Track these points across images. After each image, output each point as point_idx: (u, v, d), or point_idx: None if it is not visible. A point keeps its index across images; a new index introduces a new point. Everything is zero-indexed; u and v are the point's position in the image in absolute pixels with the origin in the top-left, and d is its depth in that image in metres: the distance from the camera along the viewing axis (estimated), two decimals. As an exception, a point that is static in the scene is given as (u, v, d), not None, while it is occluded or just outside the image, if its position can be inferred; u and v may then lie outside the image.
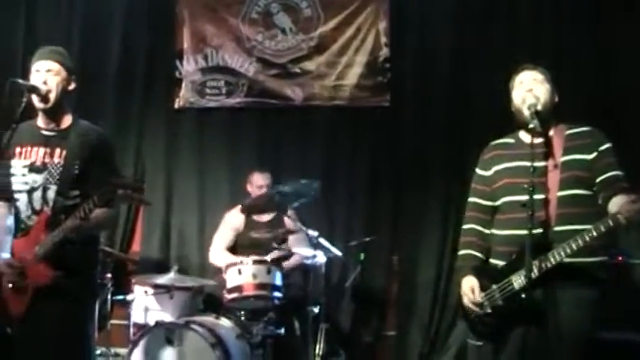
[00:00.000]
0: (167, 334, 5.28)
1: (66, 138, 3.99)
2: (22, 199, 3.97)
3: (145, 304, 5.85)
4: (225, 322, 5.69)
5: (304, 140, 6.98)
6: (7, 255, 3.95)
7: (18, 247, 3.96)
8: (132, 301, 5.88)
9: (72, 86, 4.07)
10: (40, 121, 4.05)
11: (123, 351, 5.38)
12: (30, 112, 4.02)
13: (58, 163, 3.93)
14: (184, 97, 7.11)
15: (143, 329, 5.49)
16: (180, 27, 7.13)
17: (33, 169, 3.96)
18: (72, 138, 3.98)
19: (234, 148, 7.07)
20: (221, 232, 6.40)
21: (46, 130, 4.02)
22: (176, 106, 7.13)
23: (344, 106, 6.91)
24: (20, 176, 3.97)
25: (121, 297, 6.01)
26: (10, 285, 3.88)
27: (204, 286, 6.09)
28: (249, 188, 6.42)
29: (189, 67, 7.11)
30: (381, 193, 6.83)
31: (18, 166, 3.98)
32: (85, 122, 4.12)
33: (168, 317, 5.64)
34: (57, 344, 3.84)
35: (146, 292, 5.89)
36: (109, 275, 6.04)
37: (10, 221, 4.03)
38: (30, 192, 3.95)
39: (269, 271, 5.69)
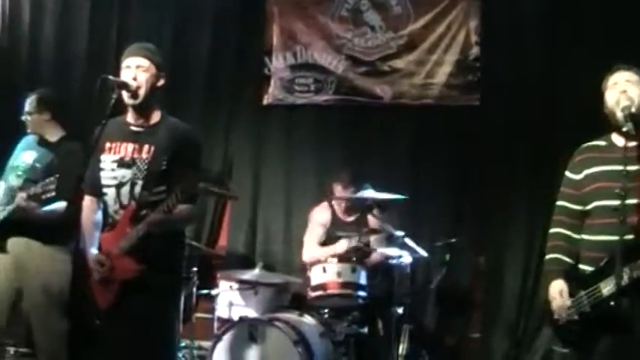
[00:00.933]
0: (250, 329, 5.32)
1: (154, 134, 4.04)
2: (110, 194, 4.04)
3: (230, 299, 5.92)
4: (308, 319, 5.70)
5: (391, 139, 6.90)
6: (95, 250, 4.03)
7: (105, 241, 4.04)
8: (217, 295, 5.96)
9: (161, 82, 4.12)
10: (130, 117, 4.11)
11: (206, 344, 5.44)
12: (120, 108, 4.09)
13: (146, 158, 3.98)
14: (273, 94, 7.14)
15: (227, 324, 5.55)
16: (269, 24, 7.16)
17: (122, 164, 4.02)
18: (160, 134, 4.04)
19: (321, 145, 7.07)
20: (311, 230, 6.39)
21: (135, 125, 4.08)
22: (264, 102, 7.16)
23: (432, 105, 6.83)
24: (109, 171, 4.04)
25: (206, 291, 6.10)
26: (98, 278, 3.96)
27: (289, 283, 6.12)
28: (335, 190, 6.37)
29: (278, 64, 7.14)
30: (468, 193, 6.73)
31: (107, 161, 4.05)
32: (174, 119, 4.17)
33: (252, 313, 5.69)
34: (141, 337, 3.89)
35: (231, 287, 5.95)
36: (195, 269, 6.10)
37: (99, 216, 4.13)
38: (118, 187, 4.01)
39: (354, 270, 5.69)
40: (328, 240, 6.27)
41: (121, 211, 4.00)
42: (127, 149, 4.03)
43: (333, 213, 6.33)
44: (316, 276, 5.75)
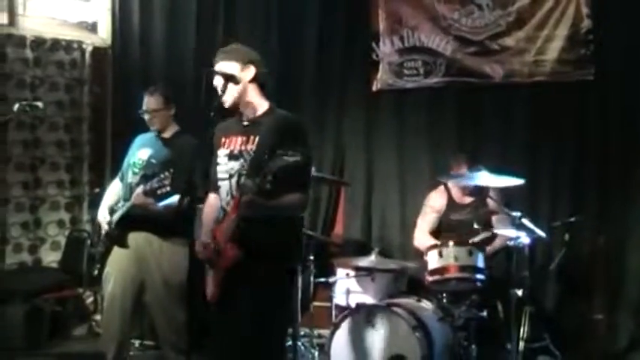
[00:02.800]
0: (368, 316, 5.37)
1: (260, 125, 4.11)
2: (223, 187, 4.14)
3: (347, 286, 5.96)
4: (426, 304, 5.73)
5: (505, 118, 6.80)
6: (204, 237, 4.17)
7: (215, 232, 4.12)
8: (334, 283, 6.02)
9: (250, 74, 4.13)
10: (240, 112, 4.21)
11: (325, 332, 5.50)
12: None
13: (251, 149, 4.05)
14: (382, 79, 7.13)
15: (345, 311, 5.60)
16: (375, 9, 7.14)
17: (232, 156, 4.12)
18: (265, 125, 4.10)
19: (433, 128, 7.02)
20: (424, 215, 6.38)
21: (243, 119, 4.17)
22: (374, 88, 7.15)
23: (545, 82, 6.67)
24: (223, 165, 4.15)
25: (323, 279, 6.15)
26: (207, 265, 4.08)
27: (406, 269, 6.13)
28: (454, 169, 6.34)
29: (385, 49, 7.12)
30: (587, 171, 6.54)
31: (221, 155, 4.17)
32: (282, 111, 4.21)
33: (369, 299, 5.73)
34: (246, 327, 3.94)
35: (348, 274, 6.01)
36: (312, 257, 6.17)
37: (219, 212, 4.22)
38: (229, 178, 4.10)
39: (470, 253, 5.65)
40: (443, 226, 6.25)
41: (231, 202, 4.06)
42: (237, 142, 4.13)
43: (450, 197, 6.30)
44: (433, 260, 5.74)
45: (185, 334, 5.23)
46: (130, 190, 5.26)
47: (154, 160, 5.32)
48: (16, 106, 5.50)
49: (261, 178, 3.75)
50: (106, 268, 5.36)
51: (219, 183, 4.16)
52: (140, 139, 5.56)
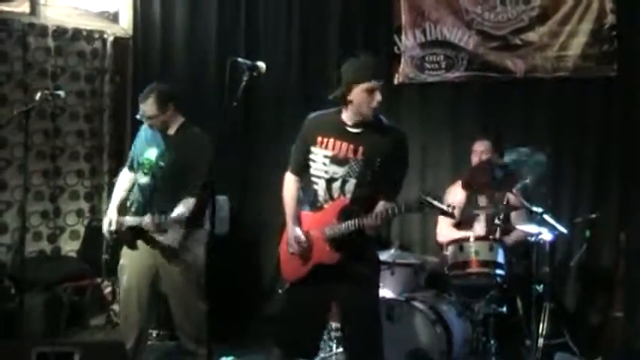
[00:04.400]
0: (388, 310, 5.36)
1: (369, 135, 4.23)
2: (320, 185, 4.29)
3: (367, 280, 5.94)
4: (446, 299, 5.72)
5: (527, 114, 6.78)
6: (296, 228, 4.32)
7: (307, 220, 4.34)
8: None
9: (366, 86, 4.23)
10: (345, 117, 4.30)
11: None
12: (250, 91, 4.22)
13: (361, 159, 4.20)
14: (404, 72, 7.11)
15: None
16: (397, 2, 7.11)
17: (335, 160, 4.25)
18: (374, 136, 4.22)
19: (455, 122, 7.01)
20: None
21: (351, 126, 4.26)
22: (395, 82, 7.13)
23: (567, 78, 6.64)
24: (321, 164, 4.28)
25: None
26: (292, 253, 4.30)
27: (426, 263, 6.11)
28: (473, 159, 6.33)
29: (407, 42, 7.10)
30: (608, 168, 6.52)
31: (319, 154, 4.29)
32: (386, 121, 4.35)
33: (389, 293, 5.71)
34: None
35: (368, 268, 5.98)
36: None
37: (300, 193, 4.44)
38: (329, 181, 4.26)
39: (491, 248, 5.63)
40: (463, 220, 6.22)
41: (330, 201, 4.25)
42: (342, 147, 4.23)
43: (469, 191, 6.27)
44: (453, 255, 5.73)
45: (205, 325, 5.14)
46: (141, 191, 5.26)
47: (162, 164, 5.25)
48: (38, 95, 5.52)
49: (397, 208, 4.03)
50: (121, 260, 5.38)
51: (315, 179, 4.32)
52: (145, 131, 5.43)
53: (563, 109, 6.67)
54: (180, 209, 5.05)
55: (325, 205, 4.26)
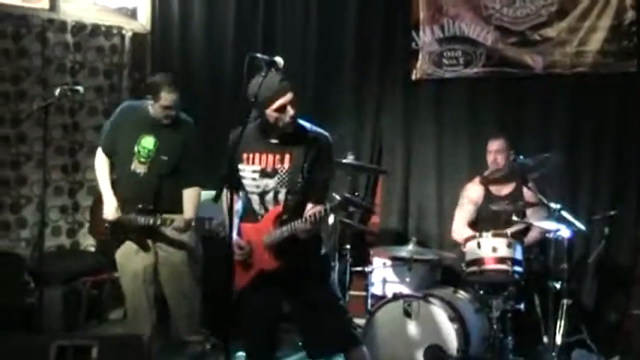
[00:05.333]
0: (405, 306, 5.36)
1: (291, 143, 4.24)
2: (254, 199, 4.32)
3: (383, 276, 5.98)
4: (463, 295, 5.71)
5: (546, 110, 6.73)
6: (236, 236, 4.30)
7: (246, 231, 4.34)
8: (370, 272, 6.02)
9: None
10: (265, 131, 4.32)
11: (361, 322, 5.49)
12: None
13: (288, 168, 4.23)
14: (421, 68, 7.09)
15: (381, 301, 5.59)
16: (416, -2, 7.11)
17: (264, 174, 4.26)
18: (296, 142, 4.23)
19: (473, 118, 6.97)
20: (461, 207, 6.35)
21: (274, 138, 4.28)
22: (413, 77, 7.11)
23: (586, 73, 6.59)
24: (251, 180, 4.29)
25: (359, 268, 6.16)
26: (237, 260, 4.28)
27: (443, 259, 6.11)
28: (488, 158, 6.33)
29: (425, 38, 7.07)
30: (627, 164, 6.46)
31: (248, 170, 4.30)
32: (311, 127, 4.34)
33: (406, 290, 5.72)
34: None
35: (384, 263, 6.01)
36: (348, 247, 6.19)
37: (239, 205, 4.43)
38: (262, 194, 4.28)
39: (509, 245, 5.62)
40: (480, 218, 6.22)
41: (263, 211, 4.30)
42: (268, 160, 4.27)
43: (486, 188, 6.26)
44: (471, 251, 5.73)
45: (199, 313, 5.60)
46: (140, 182, 5.36)
47: (164, 157, 5.34)
48: (57, 90, 5.56)
49: (325, 210, 4.05)
50: (117, 259, 5.52)
51: (248, 194, 4.34)
52: (131, 113, 5.46)
53: (582, 105, 6.63)
54: (193, 203, 5.31)
55: (262, 213, 4.30)
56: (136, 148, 5.34)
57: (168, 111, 5.27)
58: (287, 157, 4.21)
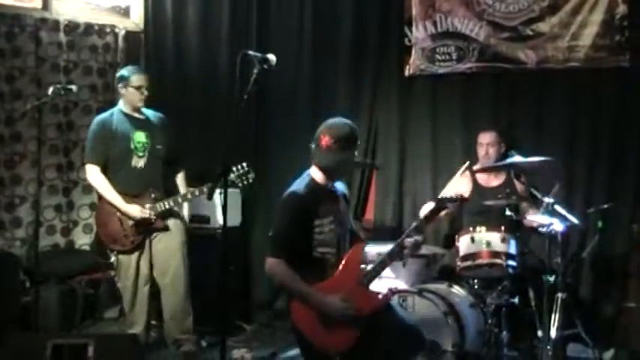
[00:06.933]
0: (400, 301, 5.37)
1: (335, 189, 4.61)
2: (330, 251, 4.46)
3: (379, 272, 5.96)
4: (458, 290, 5.72)
5: (539, 105, 6.73)
6: (331, 298, 4.31)
7: (324, 289, 4.38)
8: (365, 268, 6.00)
9: None
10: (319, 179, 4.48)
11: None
12: (261, 85, 4.32)
13: (343, 209, 4.58)
14: (415, 64, 7.09)
15: (377, 297, 5.59)
16: (408, -6, 7.11)
17: (337, 222, 4.50)
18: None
19: (466, 113, 6.97)
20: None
21: (330, 186, 4.54)
22: (406, 73, 7.12)
23: (579, 68, 6.60)
24: (328, 230, 4.43)
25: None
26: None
27: (438, 254, 6.12)
28: (479, 151, 6.35)
29: (418, 34, 7.07)
30: (622, 158, 6.48)
31: (326, 222, 4.42)
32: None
33: (401, 285, 5.71)
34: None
35: (379, 259, 5.99)
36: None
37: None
38: (338, 241, 4.52)
39: (503, 239, 5.63)
40: (472, 212, 6.23)
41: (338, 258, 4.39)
42: (336, 208, 4.50)
43: (475, 181, 6.28)
44: (465, 246, 5.73)
45: (190, 309, 5.76)
46: (141, 175, 5.69)
47: (159, 147, 5.73)
48: (50, 90, 5.58)
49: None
50: (114, 258, 5.73)
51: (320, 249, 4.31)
52: (108, 122, 5.74)
53: (575, 99, 6.65)
54: (184, 182, 5.86)
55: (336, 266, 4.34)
56: (132, 146, 5.64)
57: (142, 90, 5.64)
58: (342, 204, 4.44)
